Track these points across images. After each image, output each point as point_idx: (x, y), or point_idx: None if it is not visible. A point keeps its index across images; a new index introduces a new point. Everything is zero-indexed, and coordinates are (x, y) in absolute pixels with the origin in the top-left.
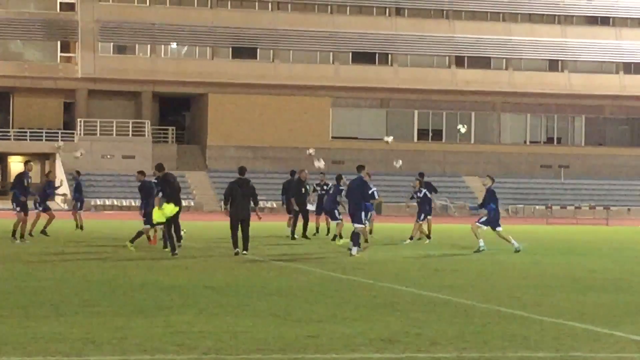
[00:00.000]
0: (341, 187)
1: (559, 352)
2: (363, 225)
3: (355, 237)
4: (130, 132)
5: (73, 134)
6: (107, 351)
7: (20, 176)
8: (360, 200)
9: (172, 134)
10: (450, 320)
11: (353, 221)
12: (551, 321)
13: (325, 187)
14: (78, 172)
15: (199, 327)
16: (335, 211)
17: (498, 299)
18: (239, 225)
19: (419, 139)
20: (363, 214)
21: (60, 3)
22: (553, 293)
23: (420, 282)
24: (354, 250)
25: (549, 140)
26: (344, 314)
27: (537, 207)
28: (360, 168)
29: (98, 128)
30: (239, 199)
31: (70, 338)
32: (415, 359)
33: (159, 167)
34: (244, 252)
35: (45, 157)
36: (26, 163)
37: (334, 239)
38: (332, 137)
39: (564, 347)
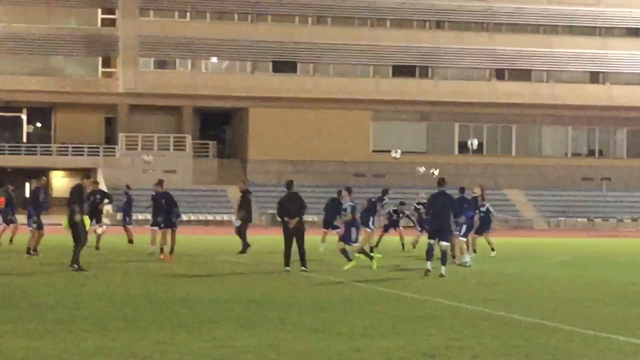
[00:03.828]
0: (385, 201)
1: None
2: (448, 244)
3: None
4: (172, 147)
5: (114, 148)
6: None
7: (35, 192)
8: (449, 215)
9: (213, 148)
10: (492, 333)
11: (442, 239)
12: (594, 334)
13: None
14: (128, 187)
15: (241, 341)
16: (370, 221)
17: (540, 312)
18: (293, 241)
19: (459, 152)
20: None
21: (102, 18)
22: (596, 306)
23: (461, 296)
24: (437, 267)
25: (591, 153)
26: (385, 328)
27: (579, 219)
28: (442, 182)
29: (139, 143)
30: (287, 215)
31: (112, 352)
32: None
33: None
34: (303, 268)
35: (87, 173)
36: (39, 179)
37: (371, 250)
38: (373, 151)
39: None
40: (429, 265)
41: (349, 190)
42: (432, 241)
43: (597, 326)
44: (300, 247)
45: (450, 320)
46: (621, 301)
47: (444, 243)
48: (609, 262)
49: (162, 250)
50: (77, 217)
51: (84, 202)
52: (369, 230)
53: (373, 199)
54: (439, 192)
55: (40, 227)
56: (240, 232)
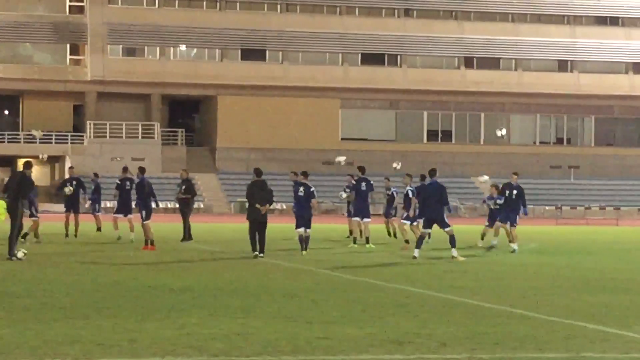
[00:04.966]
0: (371, 182)
1: (570, 353)
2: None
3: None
4: (140, 135)
5: (83, 136)
6: (118, 353)
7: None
8: (441, 204)
9: (182, 136)
10: (461, 321)
11: (442, 227)
12: (561, 322)
13: (389, 192)
14: (96, 175)
15: (209, 329)
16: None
17: (508, 299)
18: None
19: (428, 140)
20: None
21: (70, 6)
22: (563, 293)
23: (430, 283)
24: (416, 252)
25: (559, 141)
26: (353, 316)
27: (547, 207)
28: (433, 172)
29: (108, 130)
30: (257, 202)
31: (80, 341)
32: None
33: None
34: (261, 254)
35: (55, 160)
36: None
37: (367, 241)
38: (342, 139)
39: (574, 348)
40: (416, 252)
41: (304, 174)
42: (427, 231)
43: (565, 313)
44: (262, 235)
45: (418, 308)
46: (588, 289)
47: (447, 229)
48: (577, 249)
49: (146, 242)
50: (20, 209)
51: (25, 192)
52: (367, 220)
53: (364, 188)
54: (431, 182)
55: (33, 215)
56: (186, 219)
